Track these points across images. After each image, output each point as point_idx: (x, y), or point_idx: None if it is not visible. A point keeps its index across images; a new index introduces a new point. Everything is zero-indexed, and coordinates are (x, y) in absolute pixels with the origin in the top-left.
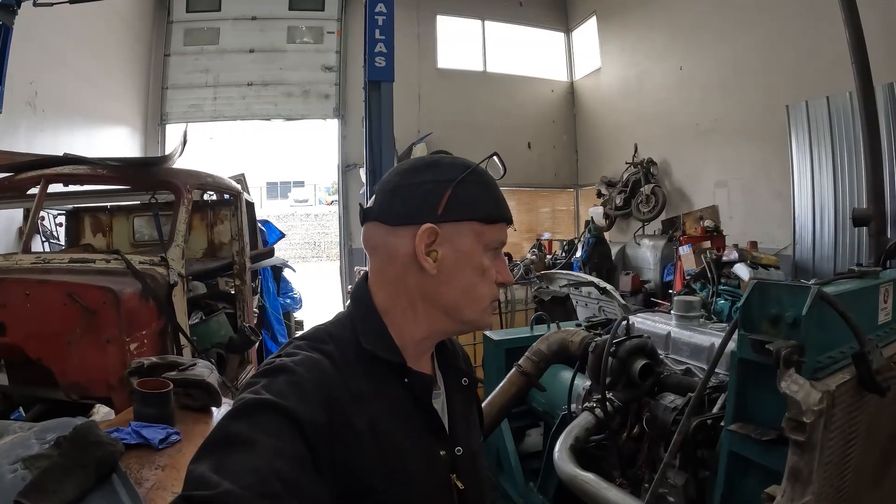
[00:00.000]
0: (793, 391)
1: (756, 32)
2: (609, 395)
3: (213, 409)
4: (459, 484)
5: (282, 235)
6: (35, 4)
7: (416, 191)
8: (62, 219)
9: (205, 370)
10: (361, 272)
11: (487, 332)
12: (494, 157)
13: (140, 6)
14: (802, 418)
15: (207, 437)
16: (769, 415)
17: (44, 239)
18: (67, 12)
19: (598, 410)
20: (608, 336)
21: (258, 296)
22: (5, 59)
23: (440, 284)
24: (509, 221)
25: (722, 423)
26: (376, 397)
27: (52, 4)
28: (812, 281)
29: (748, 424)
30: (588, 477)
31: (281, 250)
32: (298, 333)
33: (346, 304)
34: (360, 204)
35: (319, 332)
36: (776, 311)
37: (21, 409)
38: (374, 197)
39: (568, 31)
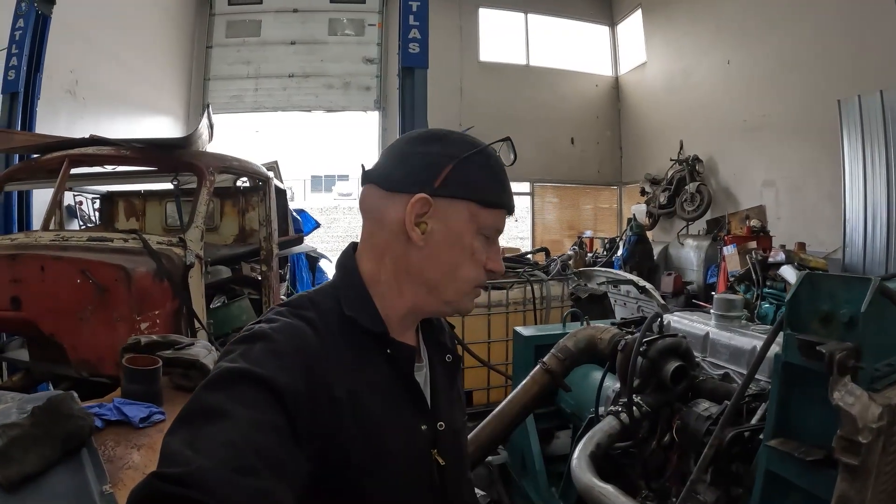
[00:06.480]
0: (847, 404)
1: (806, 24)
2: (637, 399)
3: None
4: (440, 459)
5: (317, 225)
6: None
7: (419, 160)
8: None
9: (202, 350)
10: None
11: (518, 328)
12: (507, 144)
13: None
14: (857, 437)
15: (183, 409)
16: (816, 430)
17: (81, 223)
18: (108, 4)
19: (623, 415)
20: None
21: (286, 283)
22: (44, 47)
23: (425, 258)
24: (510, 210)
25: (760, 436)
26: (357, 367)
27: None
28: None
29: (791, 441)
30: (606, 489)
31: (322, 242)
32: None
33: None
34: (361, 165)
35: (302, 298)
36: (829, 307)
37: (49, 384)
38: (378, 160)
39: (612, 24)
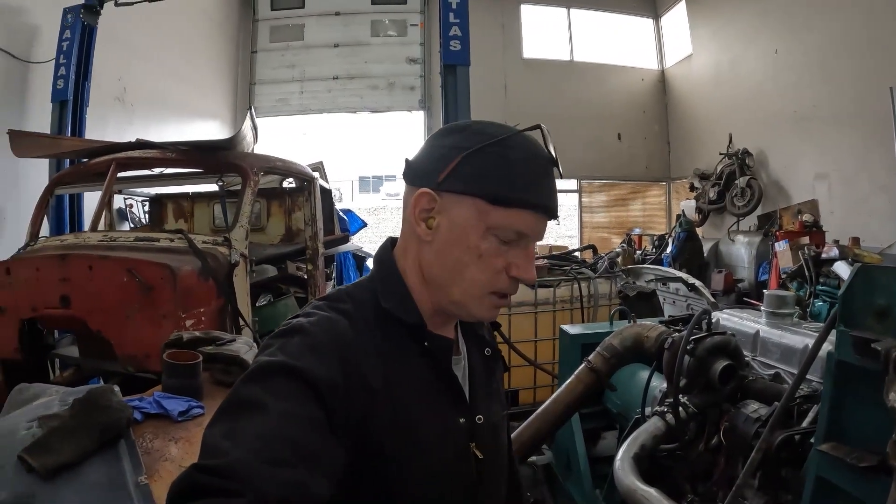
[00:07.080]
0: None
1: (855, 8)
2: (684, 400)
3: None
4: (478, 453)
5: (364, 225)
6: (116, 4)
7: (434, 153)
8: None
9: (243, 346)
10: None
11: (564, 326)
12: (539, 132)
13: (226, 5)
14: None
15: (223, 402)
16: (870, 434)
17: (132, 225)
18: (154, 14)
19: (669, 416)
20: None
21: (332, 281)
22: (91, 56)
23: (433, 254)
24: (541, 210)
25: (811, 440)
26: (394, 360)
27: (132, 3)
28: None
29: (843, 445)
30: (649, 493)
31: (370, 242)
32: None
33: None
34: (406, 158)
35: (340, 292)
36: (885, 301)
37: (100, 379)
38: None
39: (657, 16)
